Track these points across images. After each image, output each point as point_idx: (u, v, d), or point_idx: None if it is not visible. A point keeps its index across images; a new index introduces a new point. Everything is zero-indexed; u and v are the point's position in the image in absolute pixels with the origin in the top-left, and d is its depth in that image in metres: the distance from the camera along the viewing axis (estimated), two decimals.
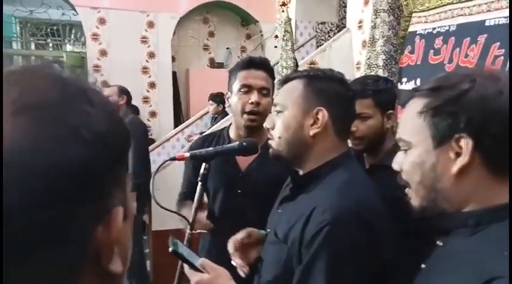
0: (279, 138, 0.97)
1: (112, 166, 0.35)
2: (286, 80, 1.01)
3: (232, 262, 0.98)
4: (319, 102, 0.94)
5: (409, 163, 0.70)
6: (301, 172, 1.00)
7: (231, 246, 1.01)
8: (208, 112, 4.76)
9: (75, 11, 5.16)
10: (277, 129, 0.97)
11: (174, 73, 5.61)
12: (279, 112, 0.98)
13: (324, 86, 0.96)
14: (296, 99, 0.95)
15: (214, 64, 5.99)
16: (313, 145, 0.95)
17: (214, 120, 4.49)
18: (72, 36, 6.96)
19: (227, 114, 4.41)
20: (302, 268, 0.82)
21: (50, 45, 6.93)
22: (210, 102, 4.55)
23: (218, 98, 4.48)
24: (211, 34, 6.08)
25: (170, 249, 0.83)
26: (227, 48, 6.05)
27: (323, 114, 0.93)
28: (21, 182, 0.29)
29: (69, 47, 6.88)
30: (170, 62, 5.47)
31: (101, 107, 0.35)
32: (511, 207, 0.62)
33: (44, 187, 0.29)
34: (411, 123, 0.69)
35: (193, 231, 1.16)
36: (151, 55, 5.32)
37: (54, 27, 6.64)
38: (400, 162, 0.73)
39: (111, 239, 0.35)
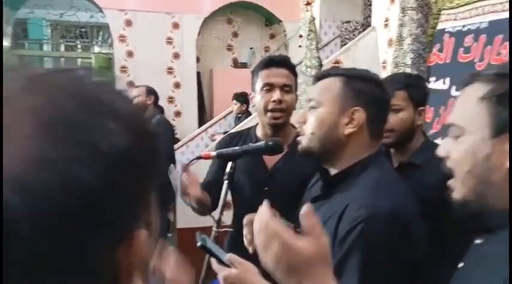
0: (312, 133, 0.96)
1: (135, 186, 0.33)
2: (322, 76, 1.00)
3: (244, 237, 1.00)
4: (357, 102, 0.93)
5: (460, 151, 0.66)
6: (332, 171, 0.99)
7: (246, 218, 1.02)
8: (231, 111, 4.79)
9: (103, 13, 5.29)
10: (310, 124, 0.97)
11: (198, 74, 5.68)
12: (312, 107, 0.97)
13: (362, 87, 0.96)
14: (333, 97, 0.95)
15: (237, 64, 6.02)
16: (346, 144, 0.94)
17: (238, 119, 4.51)
18: (100, 38, 7.15)
19: (250, 114, 4.43)
20: (335, 265, 0.82)
21: (79, 47, 7.14)
22: (234, 101, 4.57)
23: (242, 98, 4.50)
24: (235, 34, 6.11)
25: (198, 244, 0.83)
26: (251, 48, 6.07)
27: (360, 115, 0.92)
28: (36, 205, 0.27)
29: (96, 49, 7.07)
30: (195, 63, 5.54)
31: (125, 121, 0.32)
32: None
33: (61, 210, 0.27)
34: (468, 108, 0.65)
35: (219, 229, 1.18)
36: (176, 56, 5.40)
37: (83, 30, 6.84)
38: (448, 148, 0.68)
39: (132, 262, 0.33)
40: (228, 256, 0.83)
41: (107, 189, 0.29)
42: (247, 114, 4.48)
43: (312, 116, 0.96)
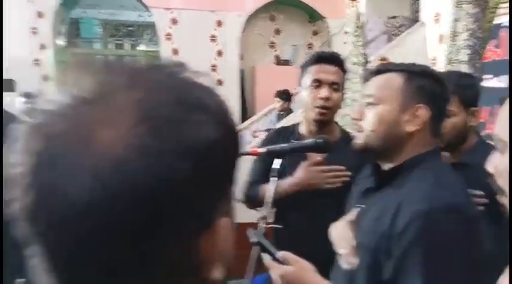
0: (372, 131, 0.95)
1: (220, 176, 0.35)
2: (379, 72, 0.98)
3: (340, 251, 0.97)
4: (420, 99, 0.91)
5: (506, 165, 0.62)
6: (386, 166, 0.97)
7: (336, 234, 0.99)
8: (273, 109, 4.79)
9: (150, 12, 5.45)
10: (369, 121, 0.95)
11: (241, 71, 5.72)
12: (371, 104, 0.95)
13: (425, 83, 0.93)
14: (394, 93, 0.93)
15: (280, 61, 6.01)
16: (407, 141, 0.92)
17: (280, 116, 4.51)
18: (147, 36, 7.38)
19: (292, 111, 4.41)
20: (395, 261, 0.79)
21: (127, 45, 7.41)
22: (277, 99, 4.56)
23: (284, 95, 4.49)
24: (278, 31, 6.10)
25: (253, 239, 0.85)
26: (293, 45, 6.04)
27: (424, 112, 0.90)
28: (134, 188, 0.29)
29: (143, 47, 7.30)
30: (237, 60, 5.58)
31: (214, 114, 0.35)
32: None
33: (154, 195, 0.30)
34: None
35: (267, 225, 1.18)
36: (220, 53, 5.48)
37: (130, 28, 7.09)
38: (496, 164, 0.66)
39: (215, 250, 0.35)
40: (282, 254, 0.84)
41: (196, 177, 0.32)
42: (289, 111, 4.47)
43: (371, 113, 0.94)
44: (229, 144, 0.36)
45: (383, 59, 3.43)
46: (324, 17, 5.76)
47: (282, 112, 4.53)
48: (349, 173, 1.36)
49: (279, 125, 3.59)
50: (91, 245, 0.30)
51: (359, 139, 0.97)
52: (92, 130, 0.30)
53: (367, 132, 0.95)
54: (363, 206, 0.99)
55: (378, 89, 0.95)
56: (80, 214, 0.29)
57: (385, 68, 0.99)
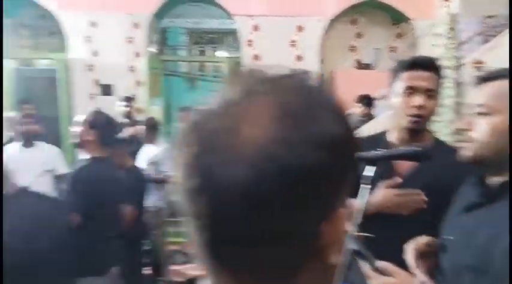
0: (484, 142, 0.90)
1: (344, 168, 0.38)
2: (489, 78, 0.93)
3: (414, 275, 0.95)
4: None
5: None
6: (494, 179, 0.91)
7: (410, 255, 0.97)
8: (353, 114, 4.68)
9: (233, 19, 5.65)
10: (481, 132, 0.90)
11: (320, 76, 5.68)
12: (483, 113, 0.91)
13: None
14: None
15: (361, 65, 5.86)
16: None
17: (361, 122, 4.39)
18: (228, 43, 7.64)
19: (373, 117, 4.27)
20: None
21: (208, 51, 7.74)
22: (358, 104, 4.46)
23: (365, 100, 4.37)
24: (359, 35, 5.96)
25: (353, 247, 0.85)
26: (375, 49, 5.85)
27: None
28: (274, 177, 0.33)
29: (224, 53, 7.56)
30: (317, 64, 5.55)
31: (336, 114, 0.39)
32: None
33: (286, 184, 0.34)
34: None
35: (358, 233, 1.17)
36: (299, 58, 5.49)
37: (213, 35, 7.40)
38: None
39: (334, 236, 0.38)
40: (383, 264, 0.82)
41: (327, 166, 0.35)
42: (370, 117, 4.33)
43: (485, 123, 0.89)
44: (351, 140, 0.40)
45: (478, 62, 3.18)
46: (409, 19, 5.50)
47: (363, 118, 4.40)
48: (425, 198, 1.28)
49: (359, 131, 3.50)
50: (245, 223, 0.34)
51: (468, 151, 0.92)
52: (238, 126, 0.35)
53: (478, 143, 0.90)
54: (467, 218, 0.94)
55: (491, 98, 0.89)
56: (235, 195, 0.34)
57: (497, 74, 0.93)
